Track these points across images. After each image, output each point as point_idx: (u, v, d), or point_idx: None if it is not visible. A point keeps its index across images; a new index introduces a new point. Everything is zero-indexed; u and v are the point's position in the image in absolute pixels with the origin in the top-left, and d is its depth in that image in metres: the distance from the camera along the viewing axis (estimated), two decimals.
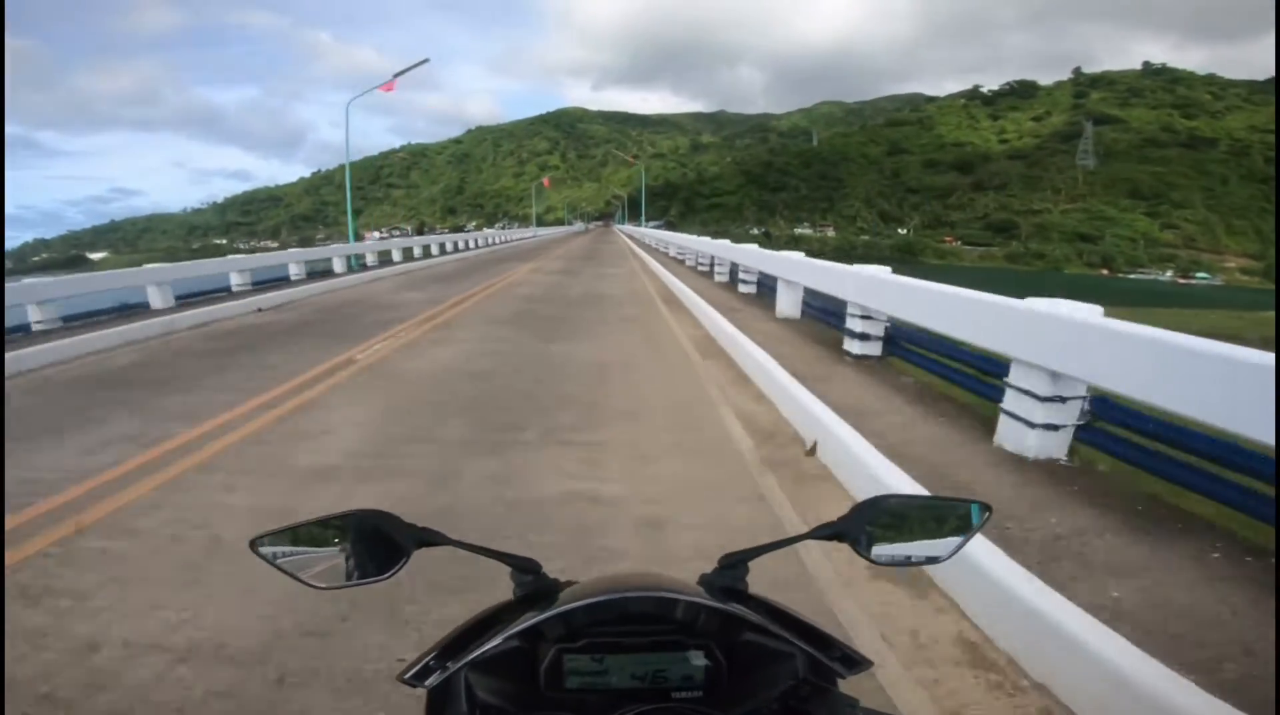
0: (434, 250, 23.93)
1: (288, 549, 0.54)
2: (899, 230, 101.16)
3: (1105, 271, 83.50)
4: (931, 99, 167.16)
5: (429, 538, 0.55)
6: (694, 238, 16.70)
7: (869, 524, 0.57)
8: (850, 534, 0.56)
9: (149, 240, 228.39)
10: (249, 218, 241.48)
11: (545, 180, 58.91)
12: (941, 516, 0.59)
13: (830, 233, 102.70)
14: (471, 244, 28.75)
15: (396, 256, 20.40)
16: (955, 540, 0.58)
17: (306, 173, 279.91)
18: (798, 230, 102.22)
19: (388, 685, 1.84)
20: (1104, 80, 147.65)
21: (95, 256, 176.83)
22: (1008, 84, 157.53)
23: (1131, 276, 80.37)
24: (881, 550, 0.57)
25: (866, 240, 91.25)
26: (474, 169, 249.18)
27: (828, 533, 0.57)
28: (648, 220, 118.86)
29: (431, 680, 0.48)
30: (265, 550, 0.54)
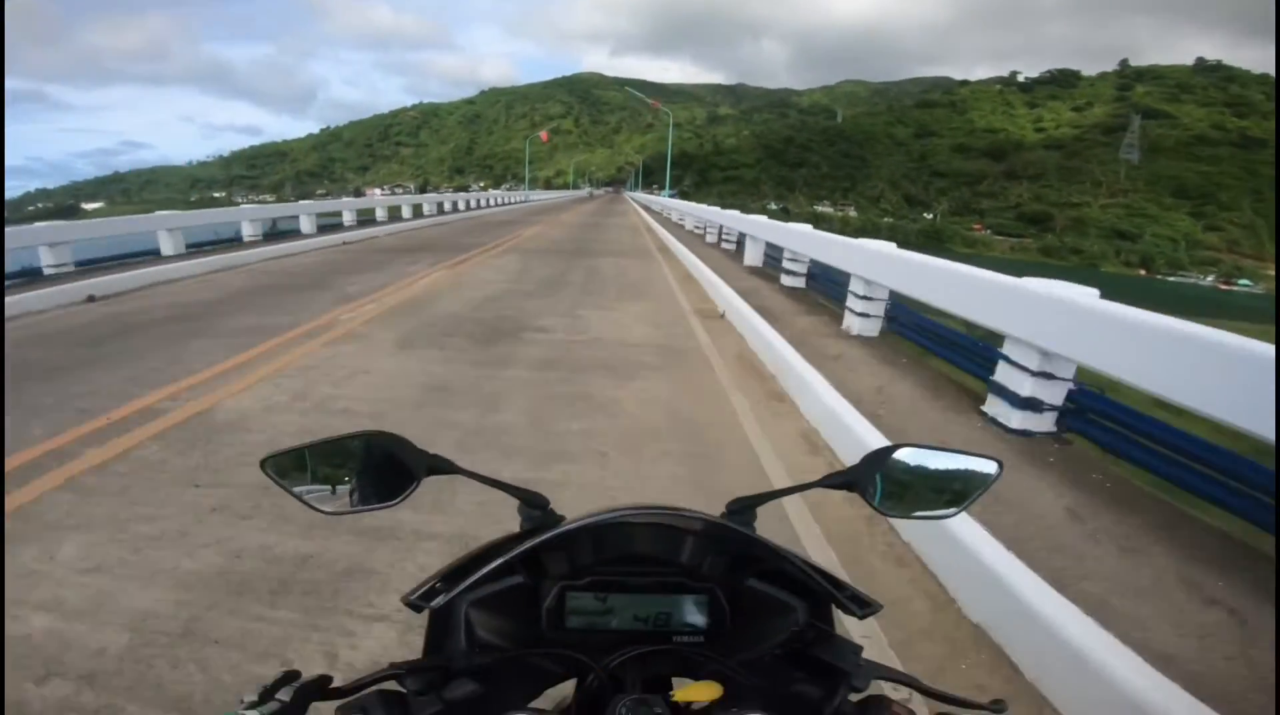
0: (426, 210, 21.98)
1: (296, 471, 0.53)
2: (924, 215, 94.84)
3: (1143, 272, 77.60)
4: (964, 83, 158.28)
5: (440, 465, 0.54)
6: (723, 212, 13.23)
7: (879, 474, 0.57)
8: (860, 483, 0.56)
9: (151, 192, 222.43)
10: (254, 172, 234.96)
11: (543, 134, 53.09)
12: (952, 469, 0.59)
13: (852, 213, 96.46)
14: (460, 206, 25.76)
15: (380, 214, 18.33)
16: (964, 493, 0.58)
17: (316, 129, 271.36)
18: (818, 208, 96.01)
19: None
20: (1151, 74, 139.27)
21: (90, 206, 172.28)
22: (1048, 72, 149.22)
23: (1170, 279, 74.53)
24: (891, 501, 0.57)
25: (891, 223, 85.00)
26: (485, 130, 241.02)
27: (838, 481, 0.56)
28: (660, 189, 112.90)
29: (436, 601, 0.48)
30: (273, 470, 0.52)
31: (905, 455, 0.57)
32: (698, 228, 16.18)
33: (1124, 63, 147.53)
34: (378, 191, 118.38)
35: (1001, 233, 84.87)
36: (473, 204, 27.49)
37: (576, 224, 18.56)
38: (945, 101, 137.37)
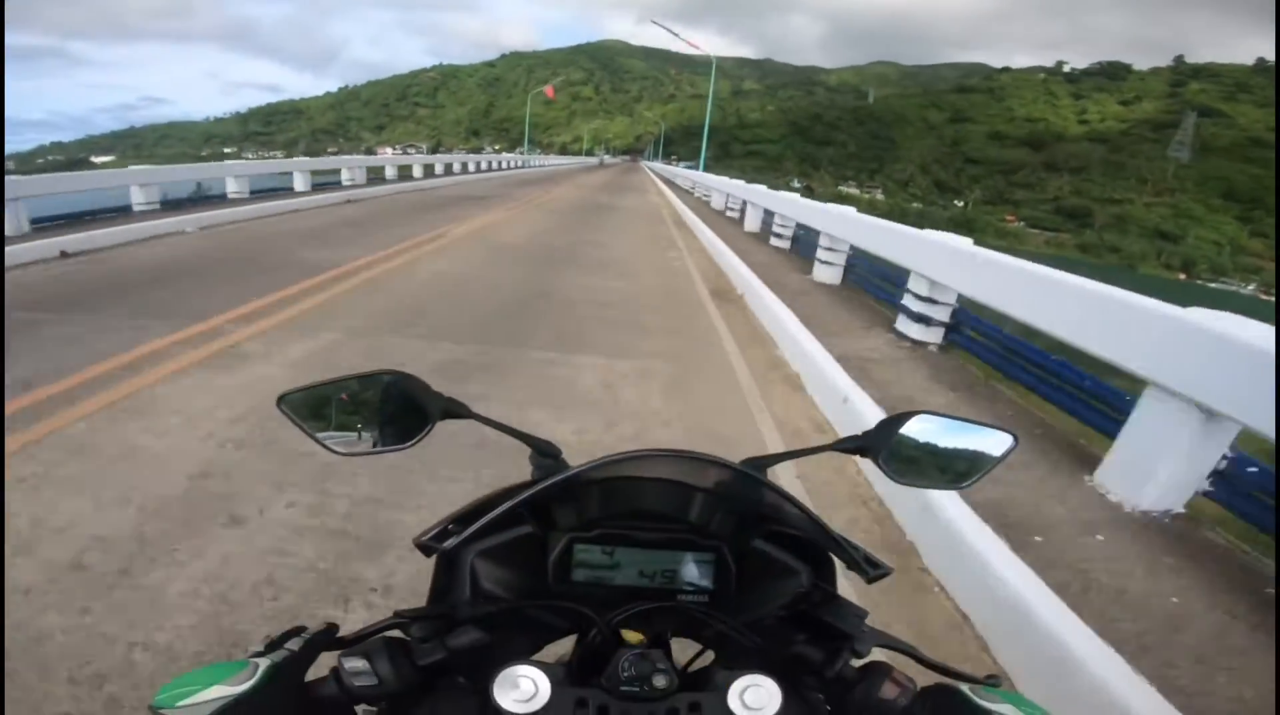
0: (415, 172, 19.14)
1: (313, 409, 0.53)
2: (955, 202, 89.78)
3: (1183, 276, 72.82)
4: (1004, 69, 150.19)
5: (454, 409, 0.54)
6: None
7: (892, 440, 0.56)
8: (874, 449, 0.56)
9: (166, 147, 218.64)
10: (269, 129, 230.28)
11: (549, 89, 48.93)
12: (966, 440, 0.58)
13: (879, 195, 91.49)
14: (456, 168, 23.60)
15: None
16: (977, 465, 0.57)
17: (336, 88, 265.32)
18: (843, 188, 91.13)
19: None
20: (1207, 71, 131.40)
21: (100, 159, 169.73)
22: (1097, 64, 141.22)
23: (1211, 285, 69.75)
24: (902, 468, 0.57)
25: (920, 208, 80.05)
26: (504, 94, 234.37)
27: (852, 446, 0.56)
28: (679, 160, 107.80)
29: (449, 543, 0.48)
30: (290, 407, 0.52)
31: (920, 422, 0.57)
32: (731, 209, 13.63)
33: (1179, 58, 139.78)
34: (389, 150, 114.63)
35: (1036, 226, 79.92)
36: (456, 168, 24.14)
37: (561, 210, 13.61)
38: (984, 87, 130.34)
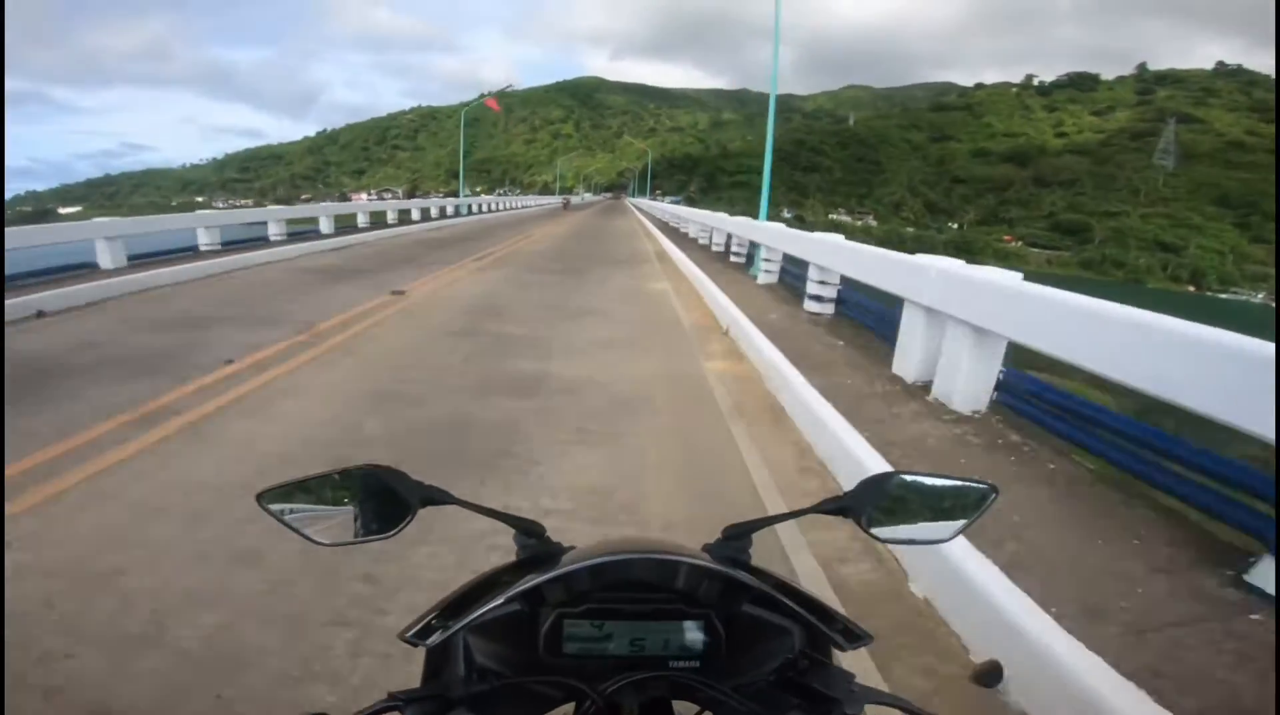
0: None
1: (294, 505, 0.53)
2: (949, 224, 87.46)
3: (1191, 288, 70.18)
4: (979, 86, 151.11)
5: (435, 496, 0.54)
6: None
7: (874, 501, 0.57)
8: (855, 510, 0.56)
9: (142, 195, 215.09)
10: (247, 175, 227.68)
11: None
12: (947, 497, 0.58)
13: (872, 222, 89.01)
14: (434, 212, 22.71)
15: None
16: (958, 521, 0.58)
17: (315, 133, 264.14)
18: (833, 216, 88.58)
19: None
20: (1171, 78, 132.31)
21: (66, 211, 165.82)
22: (1065, 75, 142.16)
23: (1222, 297, 67.01)
24: (885, 528, 0.57)
25: (916, 233, 77.37)
26: (484, 134, 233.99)
27: (833, 507, 0.56)
28: (664, 195, 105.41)
29: (433, 640, 0.48)
30: (270, 504, 0.52)
31: (901, 480, 0.57)
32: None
33: (1142, 66, 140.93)
34: (363, 196, 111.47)
35: (1035, 244, 77.41)
36: (434, 212, 22.68)
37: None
38: (960, 104, 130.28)
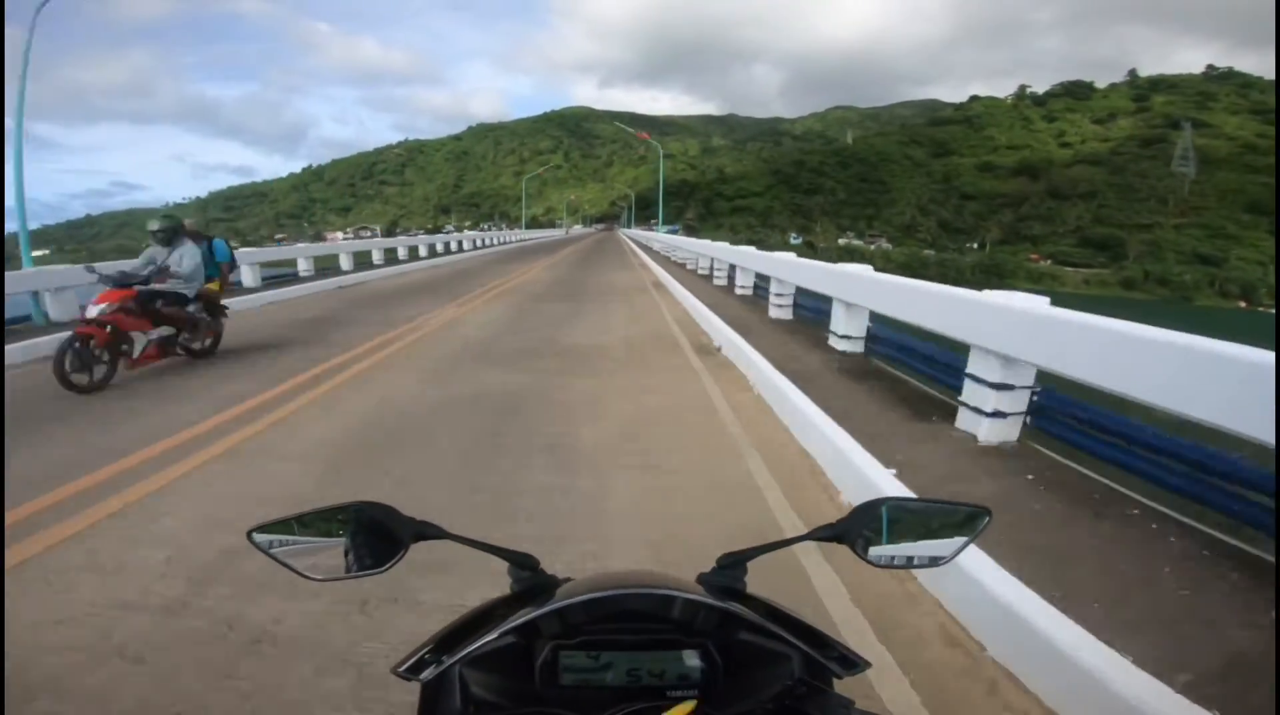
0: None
1: (286, 540, 0.52)
2: (968, 244, 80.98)
3: (1243, 304, 63.42)
4: (974, 98, 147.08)
5: (426, 531, 0.54)
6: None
7: (868, 527, 0.56)
8: (849, 536, 0.56)
9: (126, 235, 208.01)
10: (231, 214, 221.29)
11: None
12: (940, 520, 0.58)
13: (885, 244, 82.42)
14: (423, 251, 21.10)
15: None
16: (954, 544, 0.57)
17: (302, 168, 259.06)
18: (843, 241, 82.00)
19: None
20: (1164, 83, 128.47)
21: (36, 254, 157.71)
22: (1059, 85, 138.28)
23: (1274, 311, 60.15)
24: (880, 552, 0.56)
25: (938, 257, 70.60)
26: (472, 167, 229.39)
27: (827, 534, 0.56)
28: (656, 224, 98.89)
29: (426, 674, 0.47)
30: (262, 540, 0.52)
31: (894, 505, 0.57)
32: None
33: (1132, 73, 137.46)
34: (339, 235, 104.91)
35: (1065, 262, 70.74)
36: (423, 251, 21.51)
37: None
38: (959, 118, 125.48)
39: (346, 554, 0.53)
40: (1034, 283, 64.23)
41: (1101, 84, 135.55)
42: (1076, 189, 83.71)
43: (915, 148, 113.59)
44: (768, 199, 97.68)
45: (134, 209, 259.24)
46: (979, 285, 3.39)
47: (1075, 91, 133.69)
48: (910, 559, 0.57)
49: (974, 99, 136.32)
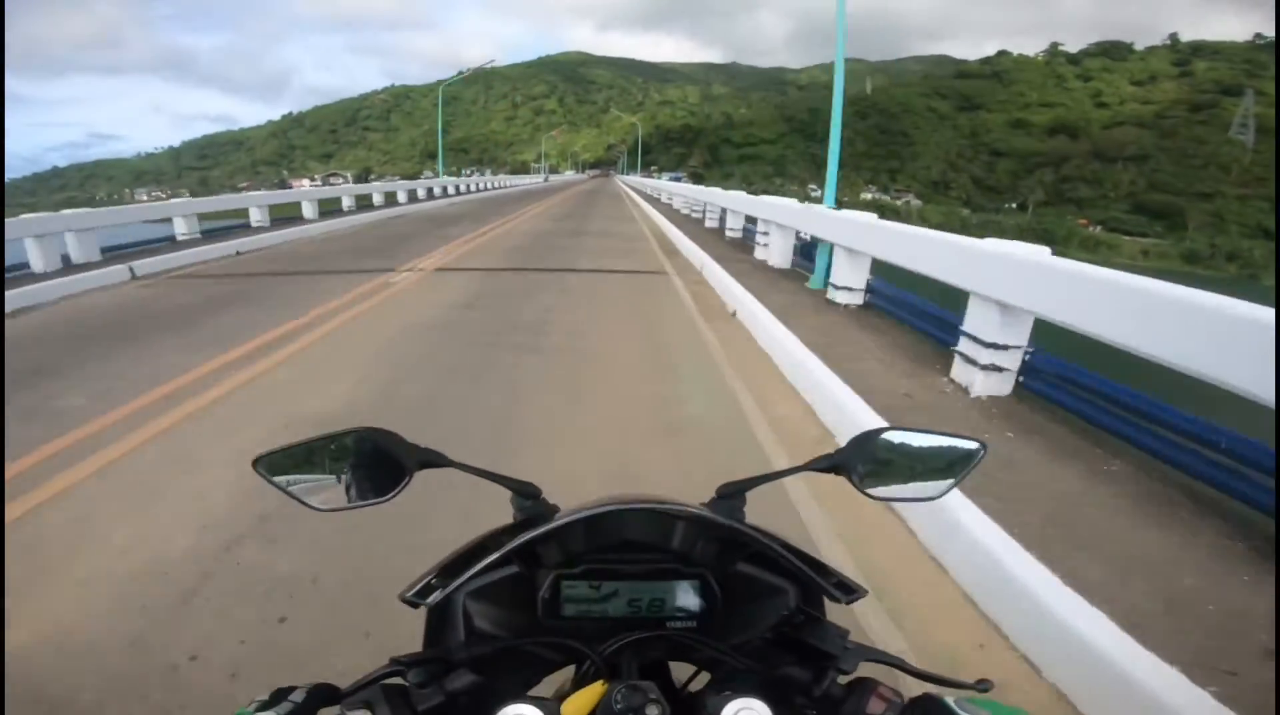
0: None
1: (288, 470, 0.52)
2: (1006, 204, 71.24)
3: None
4: (1002, 54, 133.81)
5: (431, 458, 0.53)
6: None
7: (865, 458, 0.56)
8: (846, 466, 0.55)
9: (91, 187, 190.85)
10: (205, 163, 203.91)
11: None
12: (936, 452, 0.57)
13: (913, 200, 72.38)
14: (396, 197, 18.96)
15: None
16: (948, 476, 0.57)
17: (281, 115, 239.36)
18: (868, 196, 71.79)
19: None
20: (1207, 49, 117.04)
21: None
22: (1094, 44, 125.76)
23: None
24: (876, 484, 0.56)
25: (979, 217, 60.84)
26: (462, 112, 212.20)
27: (824, 465, 0.56)
28: (661, 171, 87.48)
29: (433, 598, 0.48)
30: (265, 469, 0.51)
31: (891, 437, 0.57)
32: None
33: (1173, 36, 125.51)
34: (305, 182, 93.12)
35: (1116, 229, 61.42)
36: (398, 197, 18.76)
37: None
38: (985, 71, 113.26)
39: (348, 485, 0.53)
40: (1089, 252, 55.07)
41: (1140, 46, 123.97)
42: (1123, 151, 73.60)
43: (939, 99, 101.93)
44: (780, 147, 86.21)
45: (101, 160, 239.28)
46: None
47: (1112, 52, 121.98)
48: (906, 492, 0.58)
49: (1001, 53, 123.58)
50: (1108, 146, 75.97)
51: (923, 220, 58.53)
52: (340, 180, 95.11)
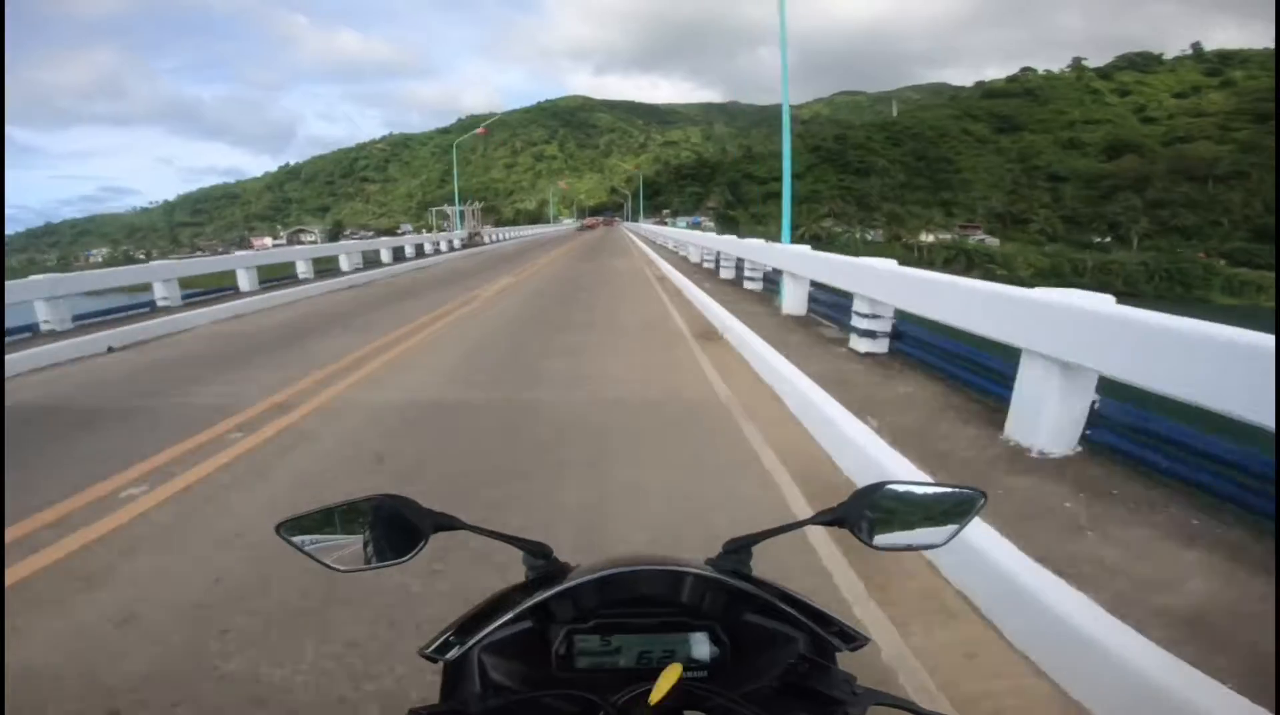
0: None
1: (311, 535, 0.53)
2: (1095, 239, 59.38)
3: None
4: (1027, 70, 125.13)
5: (446, 522, 0.54)
6: None
7: (868, 510, 0.56)
8: (850, 520, 0.56)
9: (84, 244, 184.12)
10: (199, 218, 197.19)
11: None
12: (938, 503, 0.58)
13: (984, 238, 60.74)
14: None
15: None
16: (952, 526, 0.57)
17: (278, 167, 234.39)
18: (929, 238, 60.29)
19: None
20: (1237, 57, 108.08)
21: None
22: (1121, 57, 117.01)
23: None
24: (881, 536, 0.56)
25: (1097, 259, 48.50)
26: (461, 160, 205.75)
27: (829, 519, 0.56)
28: (675, 215, 76.84)
29: (451, 654, 0.48)
30: (289, 534, 0.52)
31: (892, 490, 0.57)
32: None
33: (1197, 45, 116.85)
34: (269, 241, 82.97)
35: (1243, 263, 49.18)
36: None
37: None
38: (1015, 89, 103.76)
39: (368, 546, 0.54)
40: (1233, 297, 42.79)
41: (1168, 57, 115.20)
42: (1212, 169, 62.21)
43: (970, 121, 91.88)
44: (810, 182, 75.72)
45: (95, 216, 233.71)
46: (1170, 304, 2.40)
47: (1138, 64, 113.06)
48: (911, 541, 0.58)
49: (1026, 70, 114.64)
50: (1190, 164, 64.62)
51: (1008, 265, 46.68)
52: (310, 237, 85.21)
